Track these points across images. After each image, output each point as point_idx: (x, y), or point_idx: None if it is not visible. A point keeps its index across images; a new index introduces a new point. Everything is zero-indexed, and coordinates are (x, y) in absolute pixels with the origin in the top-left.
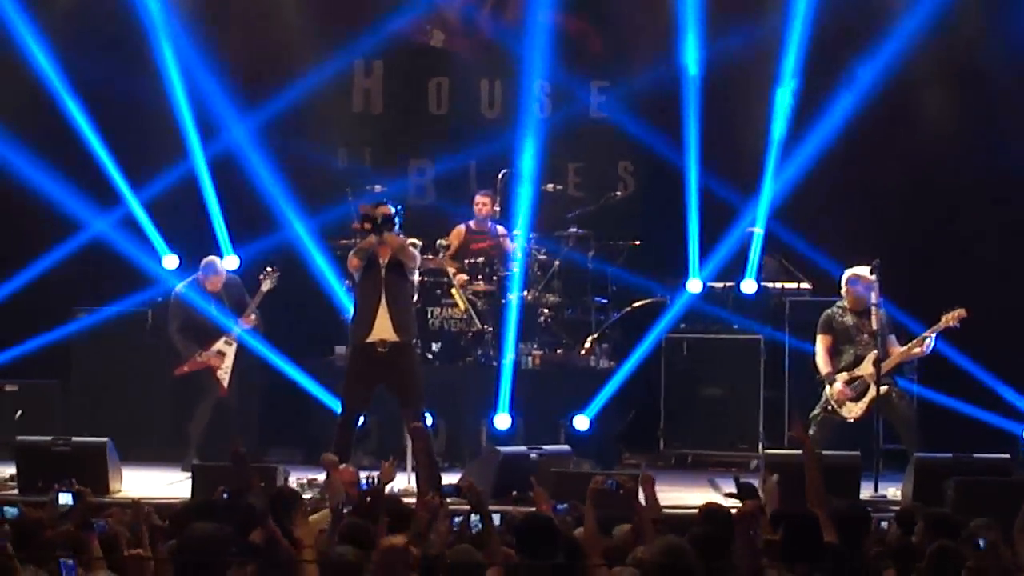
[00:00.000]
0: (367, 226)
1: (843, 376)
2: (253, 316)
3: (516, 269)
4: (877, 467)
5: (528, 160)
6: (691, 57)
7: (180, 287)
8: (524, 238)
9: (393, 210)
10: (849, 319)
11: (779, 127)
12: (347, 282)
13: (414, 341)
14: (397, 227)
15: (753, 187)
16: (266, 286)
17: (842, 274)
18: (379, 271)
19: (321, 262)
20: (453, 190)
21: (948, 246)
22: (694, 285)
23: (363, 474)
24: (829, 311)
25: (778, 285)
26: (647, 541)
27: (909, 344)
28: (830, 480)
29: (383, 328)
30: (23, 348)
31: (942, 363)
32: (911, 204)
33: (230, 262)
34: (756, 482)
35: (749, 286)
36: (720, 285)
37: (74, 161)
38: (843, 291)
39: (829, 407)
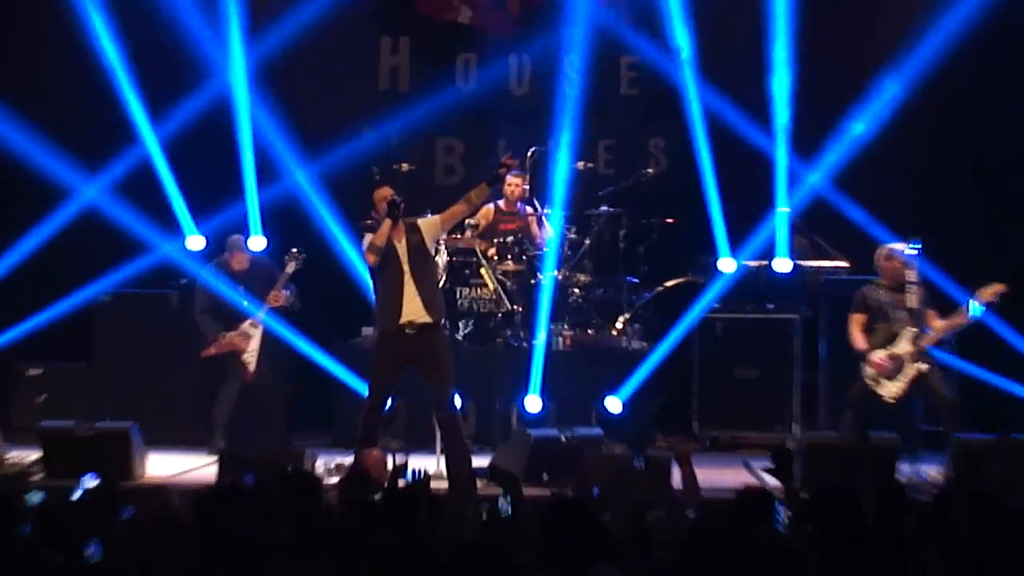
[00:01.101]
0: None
1: (880, 352)
2: (284, 293)
3: (545, 248)
4: (916, 448)
5: (558, 138)
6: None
7: (206, 268)
8: (558, 217)
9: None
10: (884, 296)
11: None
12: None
13: (443, 321)
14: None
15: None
16: (290, 268)
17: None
18: (397, 254)
19: (347, 244)
20: (482, 169)
21: (997, 219)
22: (727, 264)
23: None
24: (864, 288)
25: (814, 263)
26: (677, 523)
27: (949, 317)
28: (869, 461)
29: (413, 309)
30: (45, 329)
31: (984, 337)
32: (955, 178)
33: (257, 243)
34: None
35: (783, 265)
36: (754, 264)
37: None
38: (878, 267)
39: (866, 385)
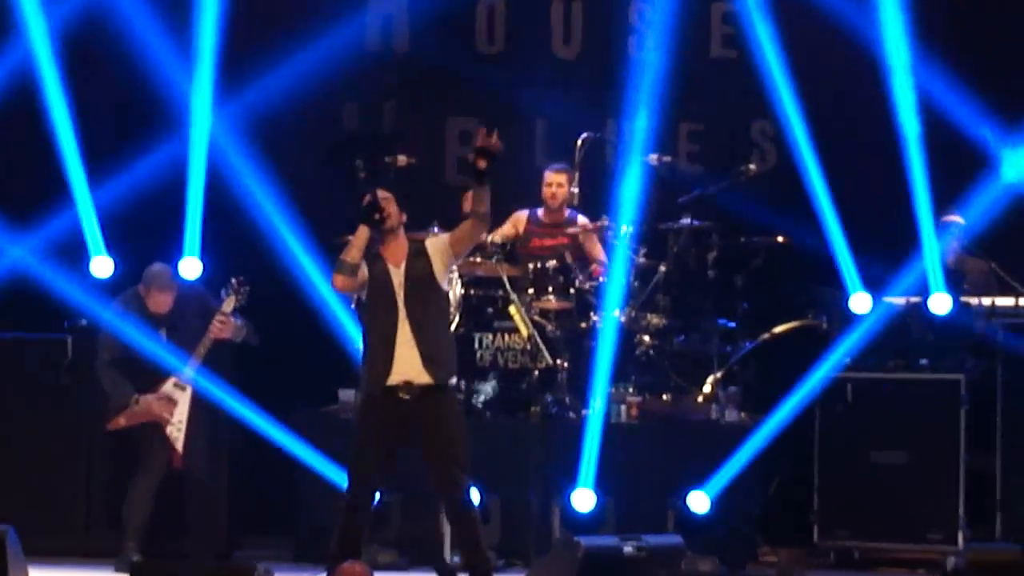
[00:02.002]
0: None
1: None
2: (233, 321)
3: (604, 277)
4: None
5: (622, 120)
6: None
7: (113, 306)
8: (620, 232)
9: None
10: None
11: None
12: (352, 302)
13: (453, 382)
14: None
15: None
16: (229, 305)
17: None
18: (391, 284)
19: (316, 273)
20: (512, 163)
21: None
22: (861, 302)
23: None
24: None
25: (986, 302)
26: None
27: None
28: None
29: (407, 365)
30: None
31: None
32: None
33: (189, 267)
34: None
35: (941, 303)
36: (900, 301)
37: None
38: None
39: None
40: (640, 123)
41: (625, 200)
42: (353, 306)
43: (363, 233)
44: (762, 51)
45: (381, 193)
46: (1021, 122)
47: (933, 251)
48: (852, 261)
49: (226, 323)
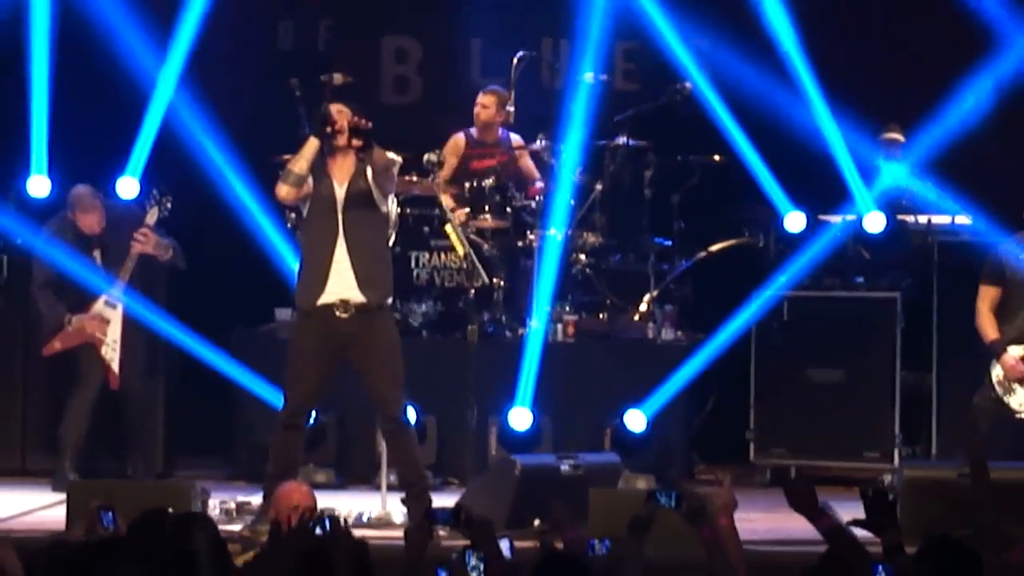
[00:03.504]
0: (345, 140)
1: (1020, 348)
2: (156, 238)
3: (540, 196)
4: None
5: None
6: None
7: (48, 227)
8: (556, 151)
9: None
10: None
11: None
12: (288, 222)
13: (389, 302)
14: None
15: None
16: (152, 217)
17: None
18: (333, 201)
19: (249, 192)
20: (447, 82)
21: None
22: (795, 220)
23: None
24: (1001, 249)
25: (922, 219)
26: None
27: None
28: (1001, 501)
29: (343, 284)
30: None
31: None
32: None
33: (126, 187)
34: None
35: (875, 221)
36: (835, 219)
37: None
38: None
39: (994, 393)
40: (572, 42)
41: (561, 119)
42: (290, 226)
43: (312, 145)
44: None
45: (335, 106)
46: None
47: (851, 168)
48: (777, 180)
49: (148, 237)
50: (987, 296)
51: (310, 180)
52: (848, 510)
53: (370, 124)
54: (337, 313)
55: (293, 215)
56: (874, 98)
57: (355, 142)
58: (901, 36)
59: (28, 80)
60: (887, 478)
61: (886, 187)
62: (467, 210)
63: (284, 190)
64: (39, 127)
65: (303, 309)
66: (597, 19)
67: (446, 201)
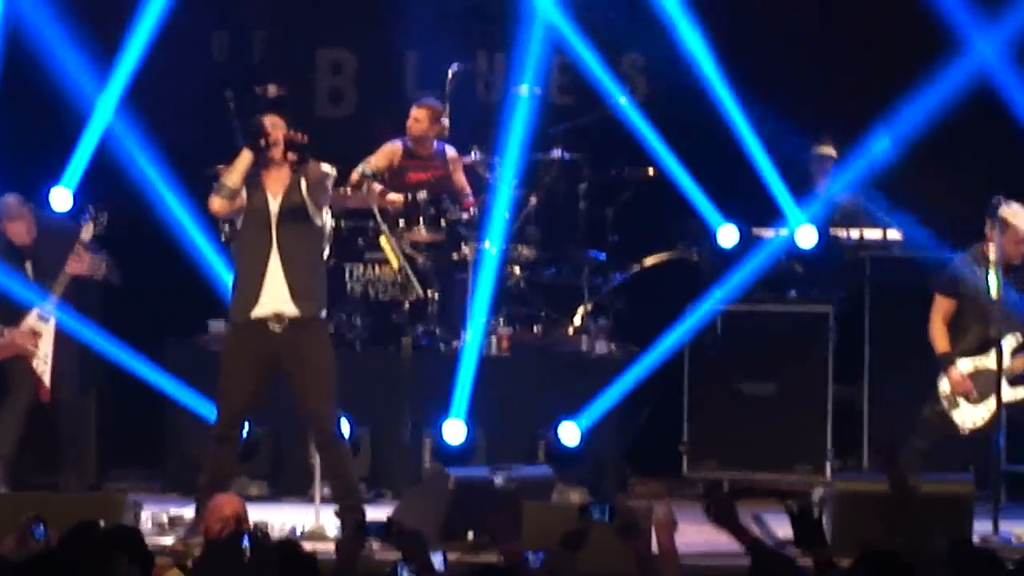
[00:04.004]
0: (280, 152)
1: (968, 362)
2: (91, 257)
3: (475, 209)
4: (998, 498)
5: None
6: None
7: None
8: (490, 164)
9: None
10: (989, 278)
11: None
12: (222, 235)
13: (323, 314)
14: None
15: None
16: (87, 233)
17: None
18: (267, 214)
19: (182, 204)
20: (382, 93)
21: None
22: (727, 234)
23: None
24: (958, 261)
25: (854, 234)
26: None
27: None
28: (933, 514)
29: (276, 297)
30: None
31: None
32: None
33: (59, 198)
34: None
35: (807, 235)
36: (768, 233)
37: None
38: (988, 231)
39: (939, 406)
40: (507, 54)
41: (497, 132)
42: (224, 239)
43: (245, 157)
44: None
45: (269, 119)
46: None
47: (778, 183)
48: (710, 194)
49: (82, 257)
50: (941, 308)
51: (244, 193)
52: (781, 523)
53: (306, 137)
54: (270, 326)
55: (227, 227)
56: (809, 112)
57: (290, 155)
58: (836, 47)
59: None
60: (818, 491)
61: (819, 201)
62: (401, 219)
63: (217, 203)
64: None
65: (236, 321)
66: (532, 32)
67: (379, 207)
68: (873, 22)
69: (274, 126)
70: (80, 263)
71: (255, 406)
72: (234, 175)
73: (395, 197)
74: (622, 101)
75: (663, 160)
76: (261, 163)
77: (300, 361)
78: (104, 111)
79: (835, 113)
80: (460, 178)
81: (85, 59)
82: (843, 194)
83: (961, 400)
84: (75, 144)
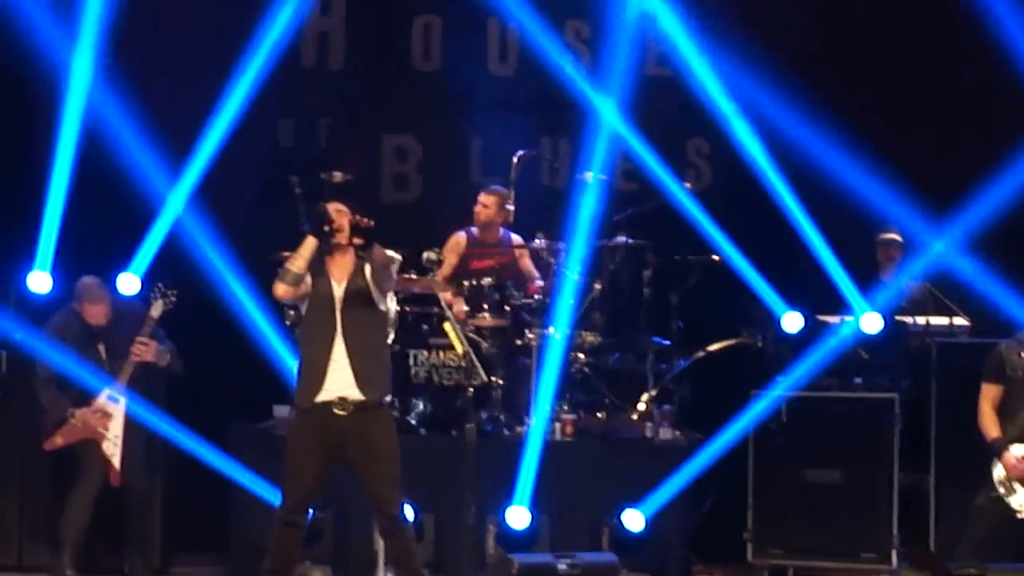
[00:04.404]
0: (345, 238)
1: (1021, 447)
2: (155, 345)
3: (540, 295)
4: None
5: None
6: None
7: (52, 323)
8: (556, 251)
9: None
10: None
11: None
12: (287, 320)
13: (388, 400)
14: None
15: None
16: (156, 311)
17: None
18: (331, 299)
19: (249, 291)
20: (447, 179)
21: None
22: (791, 320)
23: None
24: (1003, 348)
25: (920, 321)
26: None
27: None
28: None
29: (341, 382)
30: None
31: None
32: None
33: (127, 283)
34: None
35: (872, 321)
36: (833, 320)
37: None
38: None
39: (995, 492)
40: (573, 140)
41: (561, 218)
42: (289, 324)
43: (310, 244)
44: (696, 70)
45: (333, 206)
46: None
47: (840, 272)
48: (774, 280)
49: (147, 346)
50: (989, 394)
51: (308, 279)
52: None
53: (372, 223)
54: (335, 410)
55: (292, 312)
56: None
57: (356, 240)
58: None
59: (38, 178)
60: None
61: (886, 289)
62: (465, 307)
63: (282, 289)
64: (50, 225)
65: (301, 406)
66: (596, 119)
67: (445, 296)
68: (936, 110)
69: (338, 212)
70: (145, 352)
71: (320, 491)
72: (298, 261)
73: (461, 307)
74: (687, 187)
75: (727, 246)
76: (326, 249)
77: (365, 446)
78: (175, 203)
79: (902, 199)
80: (526, 263)
81: (158, 153)
82: (911, 282)
83: (1017, 485)
84: (145, 232)
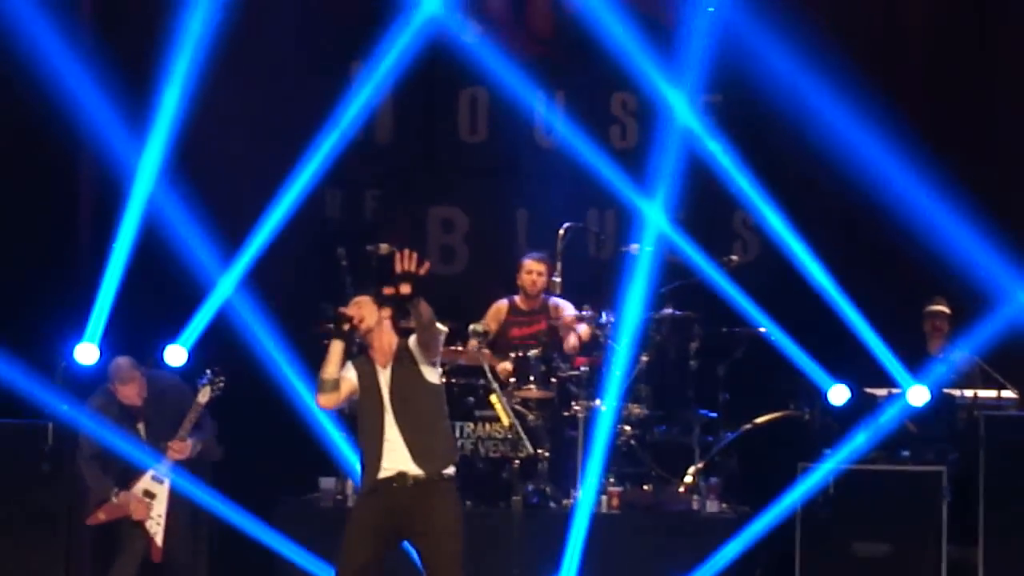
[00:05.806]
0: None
1: None
2: (189, 442)
3: (586, 367)
4: None
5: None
6: None
7: (92, 400)
8: (602, 322)
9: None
10: None
11: None
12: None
13: (448, 472)
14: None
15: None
16: (204, 397)
17: None
18: (377, 385)
19: (292, 362)
20: (493, 250)
21: None
22: (838, 393)
23: None
24: None
25: (968, 393)
26: None
27: None
28: None
29: (398, 460)
30: None
31: None
32: None
33: (174, 355)
34: None
35: (919, 394)
36: (880, 392)
37: None
38: None
39: None
40: (618, 211)
41: (607, 290)
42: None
43: (337, 348)
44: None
45: (351, 304)
46: None
47: (882, 348)
48: (819, 353)
49: (183, 448)
50: None
51: (352, 378)
52: None
53: (427, 265)
54: (395, 485)
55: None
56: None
57: (403, 288)
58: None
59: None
60: None
61: (934, 363)
62: (509, 365)
63: (322, 399)
64: (104, 300)
65: (365, 487)
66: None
67: (487, 356)
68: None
69: (355, 305)
70: (180, 453)
71: (374, 570)
72: (329, 367)
73: (506, 366)
74: (733, 259)
75: (773, 319)
76: (354, 349)
77: (427, 522)
78: (227, 282)
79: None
80: (568, 331)
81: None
82: (959, 355)
83: None
84: (195, 309)
